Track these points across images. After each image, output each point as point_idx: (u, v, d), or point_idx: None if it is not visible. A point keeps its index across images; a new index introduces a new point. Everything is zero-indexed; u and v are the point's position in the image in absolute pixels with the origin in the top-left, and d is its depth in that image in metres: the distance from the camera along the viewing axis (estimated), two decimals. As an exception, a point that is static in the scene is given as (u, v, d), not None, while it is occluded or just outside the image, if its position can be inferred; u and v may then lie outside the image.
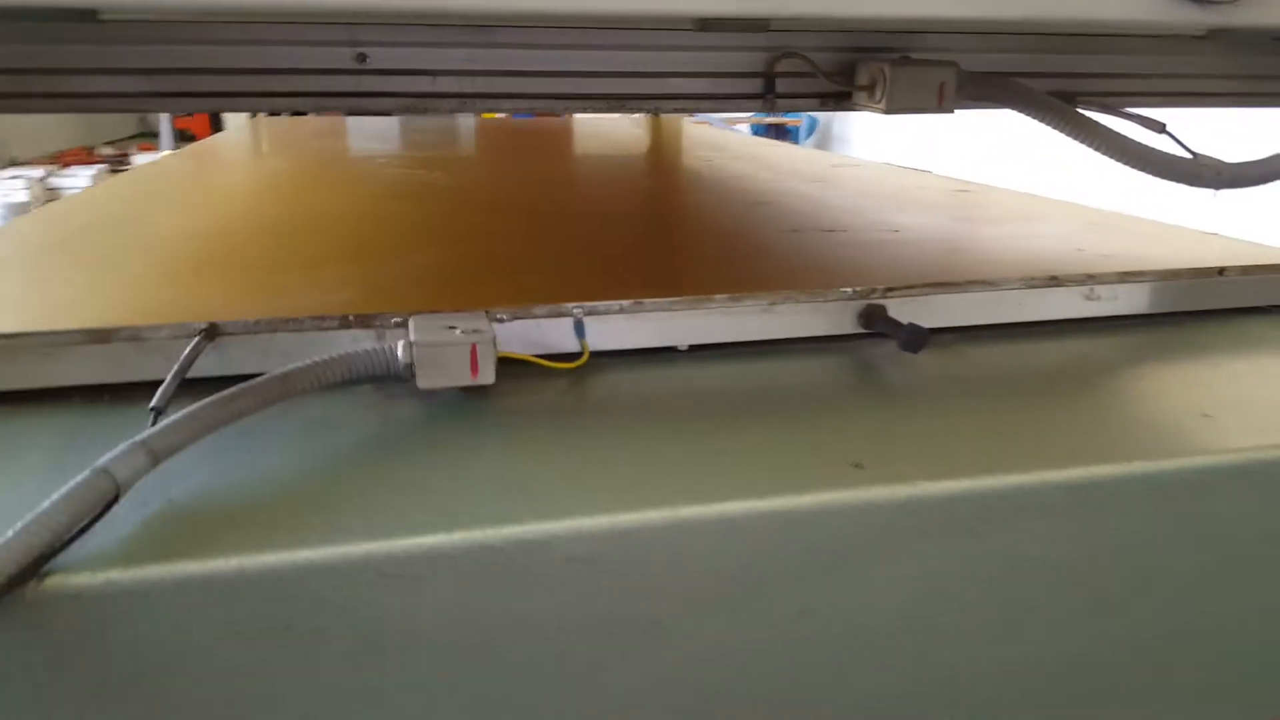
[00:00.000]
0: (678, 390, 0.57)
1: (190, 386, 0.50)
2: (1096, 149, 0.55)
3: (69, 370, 0.51)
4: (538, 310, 0.58)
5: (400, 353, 0.51)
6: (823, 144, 7.05)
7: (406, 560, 0.39)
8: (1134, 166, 0.56)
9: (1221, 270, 0.71)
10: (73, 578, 0.36)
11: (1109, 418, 0.54)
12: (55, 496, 0.37)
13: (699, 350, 0.62)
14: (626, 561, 0.42)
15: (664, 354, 0.62)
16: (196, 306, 0.57)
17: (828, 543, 0.45)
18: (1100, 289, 0.69)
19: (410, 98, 0.53)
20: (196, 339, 0.51)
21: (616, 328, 0.60)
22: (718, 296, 0.61)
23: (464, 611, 0.40)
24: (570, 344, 0.59)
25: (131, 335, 0.52)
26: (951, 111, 0.55)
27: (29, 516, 0.36)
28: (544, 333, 0.58)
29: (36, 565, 0.35)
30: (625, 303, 0.60)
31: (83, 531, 0.37)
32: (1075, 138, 0.56)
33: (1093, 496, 0.47)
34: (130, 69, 0.49)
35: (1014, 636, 0.49)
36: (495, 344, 0.52)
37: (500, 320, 0.57)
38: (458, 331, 0.52)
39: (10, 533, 0.35)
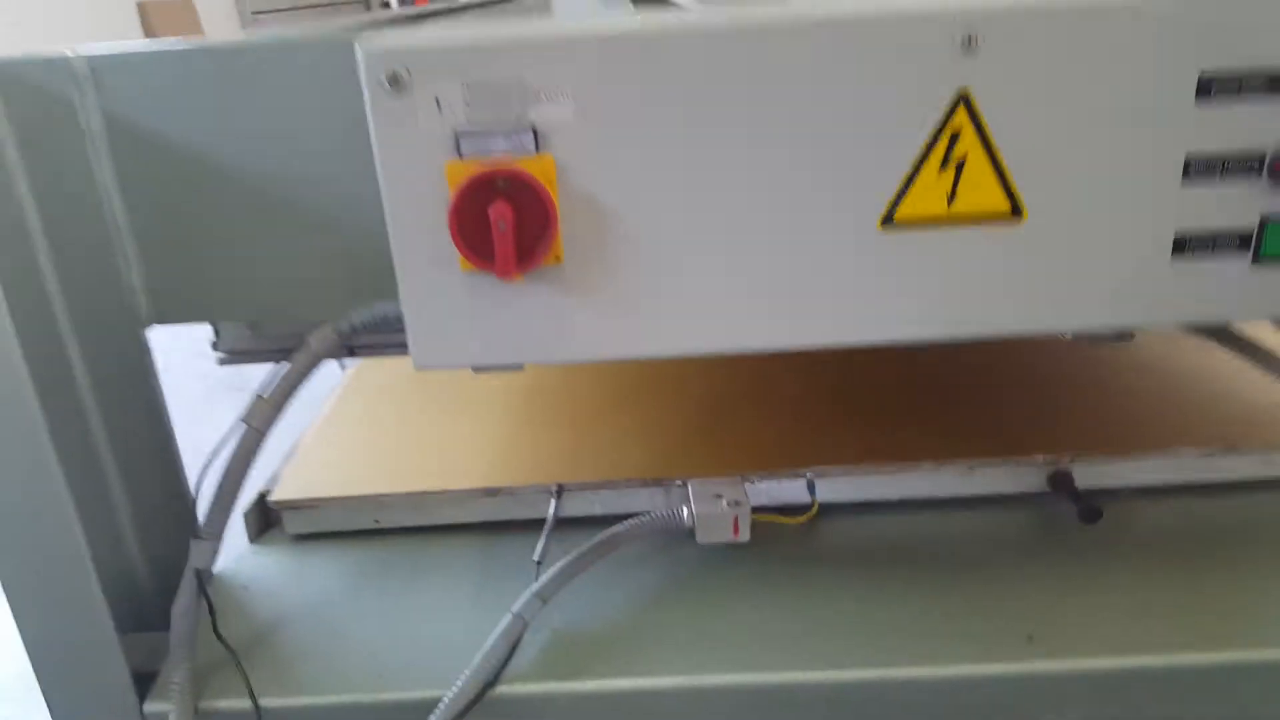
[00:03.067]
0: (890, 540, 0.75)
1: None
2: None
3: (474, 512, 0.78)
4: (780, 474, 0.77)
5: (687, 519, 0.73)
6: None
7: (712, 694, 0.60)
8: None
9: None
10: (504, 689, 0.60)
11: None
12: (493, 637, 0.62)
13: (908, 503, 0.79)
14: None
15: (879, 506, 0.79)
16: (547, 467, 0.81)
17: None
18: (1276, 456, 0.78)
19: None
20: (553, 499, 0.76)
21: (839, 485, 0.78)
22: (925, 463, 0.78)
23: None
24: (804, 497, 0.78)
25: (509, 492, 0.77)
26: None
27: (479, 656, 0.61)
28: (784, 490, 0.78)
29: (484, 690, 0.60)
30: (849, 467, 0.78)
31: (507, 660, 0.62)
32: None
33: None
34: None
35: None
36: (749, 511, 0.73)
37: (752, 482, 0.77)
38: (724, 502, 0.73)
39: (468, 671, 0.60)
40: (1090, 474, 0.78)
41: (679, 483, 0.77)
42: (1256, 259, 0.55)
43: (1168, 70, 0.51)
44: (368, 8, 7.28)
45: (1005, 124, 0.52)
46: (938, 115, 0.52)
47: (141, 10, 5.28)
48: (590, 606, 0.69)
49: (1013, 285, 0.55)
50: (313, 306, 0.66)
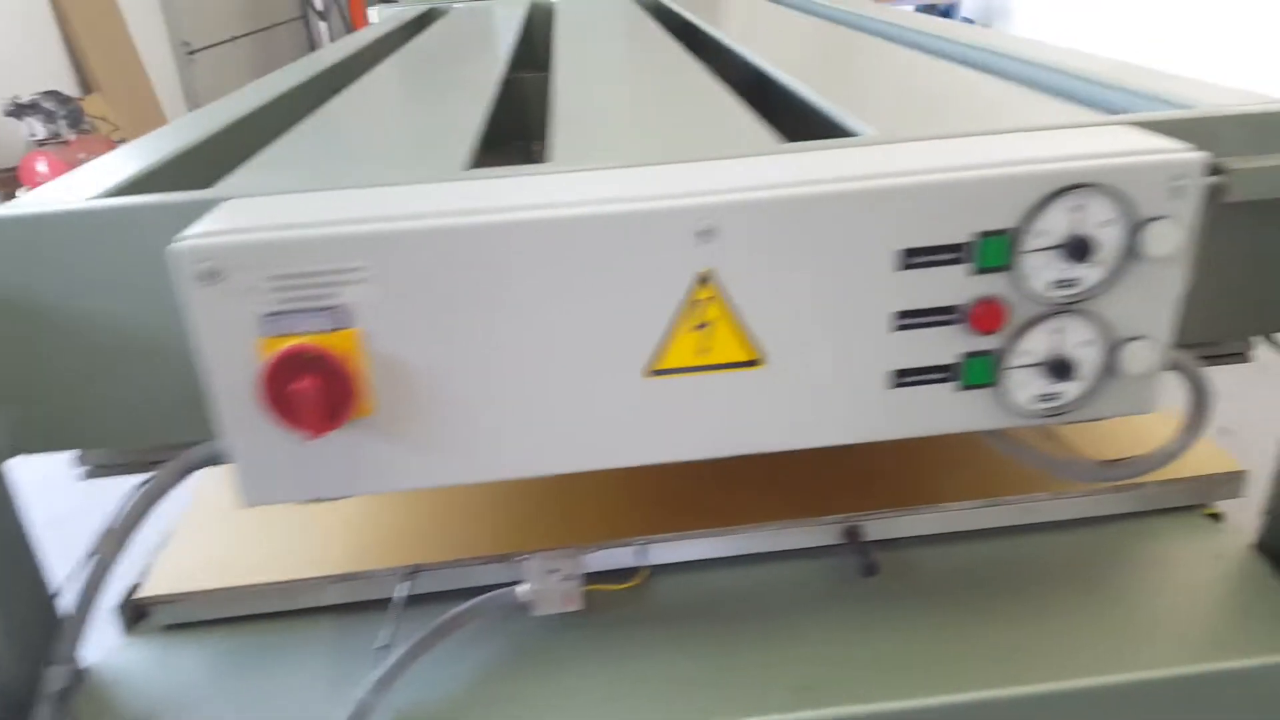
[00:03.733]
0: (712, 597, 0.86)
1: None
2: None
3: (333, 595, 0.86)
4: (613, 542, 0.87)
5: (523, 595, 0.82)
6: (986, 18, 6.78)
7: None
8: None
9: (1142, 484, 0.91)
10: (355, 772, 0.70)
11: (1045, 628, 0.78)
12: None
13: (725, 560, 0.90)
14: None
15: (702, 564, 0.90)
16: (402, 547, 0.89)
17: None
18: (1037, 505, 0.91)
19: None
20: (404, 582, 0.85)
21: (666, 549, 0.89)
22: (739, 526, 0.89)
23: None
24: (635, 561, 0.88)
25: (365, 576, 0.86)
26: None
27: (332, 737, 0.70)
28: (617, 556, 0.88)
29: (338, 768, 0.69)
30: (674, 533, 0.88)
31: (356, 740, 0.71)
32: None
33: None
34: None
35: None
36: (582, 583, 0.83)
37: (589, 551, 0.87)
38: (559, 576, 0.82)
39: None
40: (879, 528, 0.90)
41: (523, 557, 0.86)
42: (963, 386, 0.66)
43: (871, 246, 0.61)
44: (306, 26, 7.17)
45: (744, 294, 0.62)
46: (685, 290, 0.61)
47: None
48: (434, 683, 0.78)
49: (759, 415, 0.65)
50: (162, 432, 0.73)
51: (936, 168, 0.61)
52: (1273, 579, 0.85)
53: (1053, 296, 0.64)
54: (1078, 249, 0.61)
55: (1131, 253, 0.62)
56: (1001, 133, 0.69)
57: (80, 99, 5.04)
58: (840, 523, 0.89)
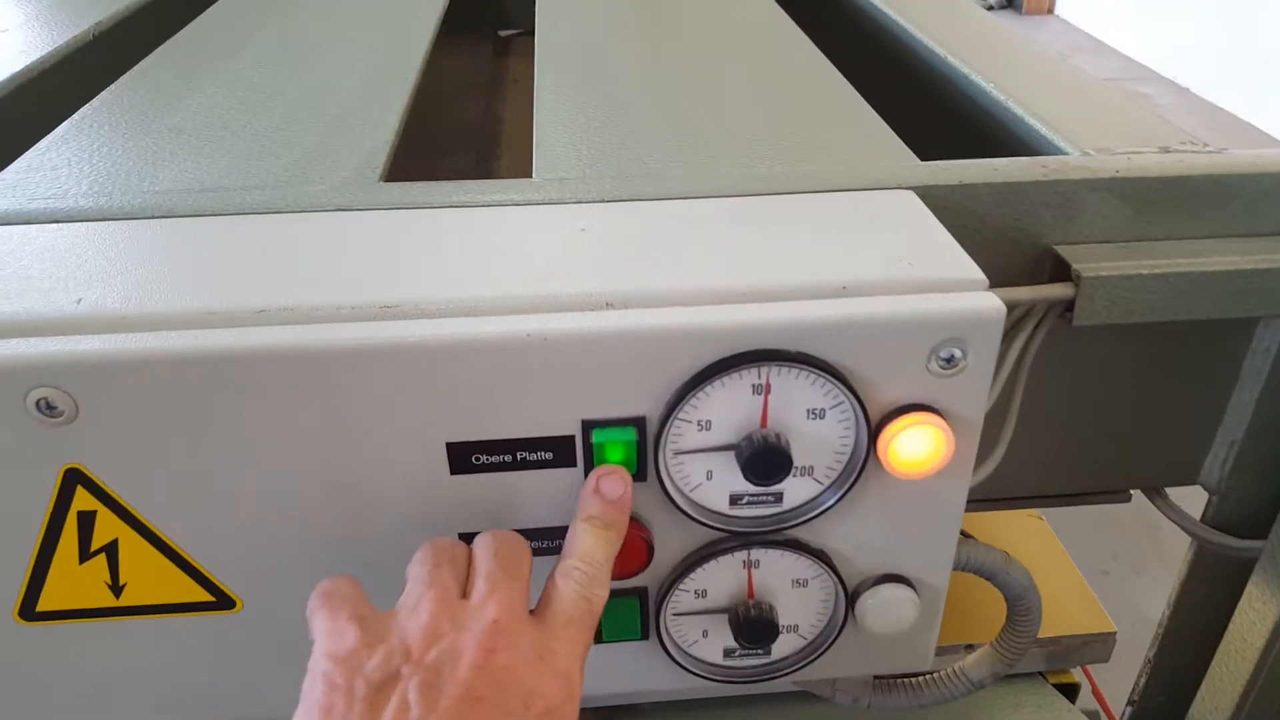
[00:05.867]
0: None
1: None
2: None
3: None
4: None
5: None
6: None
7: None
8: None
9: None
10: None
11: None
12: None
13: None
14: None
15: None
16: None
17: None
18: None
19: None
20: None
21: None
22: None
23: None
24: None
25: None
26: None
27: None
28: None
29: None
30: None
31: None
32: None
33: None
34: None
35: None
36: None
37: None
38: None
39: None
40: (600, 703, 0.65)
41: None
42: (599, 640, 0.40)
43: (385, 438, 0.34)
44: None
45: (159, 500, 0.34)
46: (47, 497, 0.34)
47: None
48: None
49: (242, 675, 0.39)
50: None
51: (509, 301, 0.33)
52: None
53: (737, 519, 0.37)
54: (763, 461, 0.34)
55: (869, 458, 0.36)
56: (722, 197, 0.41)
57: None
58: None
